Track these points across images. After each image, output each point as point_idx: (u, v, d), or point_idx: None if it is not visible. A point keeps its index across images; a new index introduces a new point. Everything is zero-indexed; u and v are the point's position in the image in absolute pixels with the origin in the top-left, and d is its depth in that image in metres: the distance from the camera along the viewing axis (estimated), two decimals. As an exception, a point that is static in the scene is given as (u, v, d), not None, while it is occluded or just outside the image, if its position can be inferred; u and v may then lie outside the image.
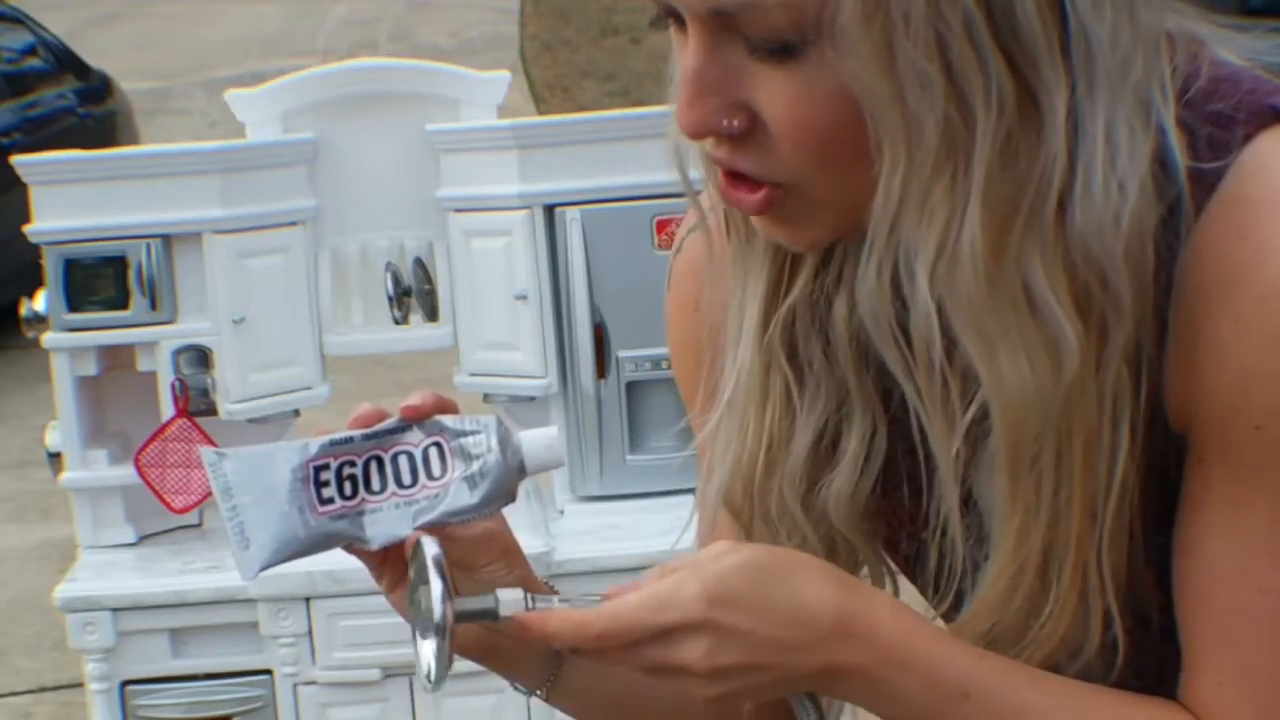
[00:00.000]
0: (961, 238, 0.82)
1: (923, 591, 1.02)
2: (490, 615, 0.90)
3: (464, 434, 0.97)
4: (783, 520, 1.00)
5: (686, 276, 1.07)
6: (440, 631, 0.89)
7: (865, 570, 1.03)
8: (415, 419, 0.98)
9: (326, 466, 0.97)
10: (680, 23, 0.87)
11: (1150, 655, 0.92)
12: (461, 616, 0.90)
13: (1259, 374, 0.83)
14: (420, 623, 0.91)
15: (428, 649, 0.90)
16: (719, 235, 0.99)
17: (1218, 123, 0.86)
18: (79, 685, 3.04)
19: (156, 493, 2.92)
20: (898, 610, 0.90)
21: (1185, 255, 0.85)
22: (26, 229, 2.87)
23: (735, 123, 0.86)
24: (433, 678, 0.89)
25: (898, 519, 1.00)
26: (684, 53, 0.88)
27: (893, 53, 0.79)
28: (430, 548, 0.91)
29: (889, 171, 0.82)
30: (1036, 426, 0.84)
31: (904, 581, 1.05)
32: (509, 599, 0.90)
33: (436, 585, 0.89)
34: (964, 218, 0.82)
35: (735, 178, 0.89)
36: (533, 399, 3.03)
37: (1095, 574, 0.87)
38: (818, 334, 0.97)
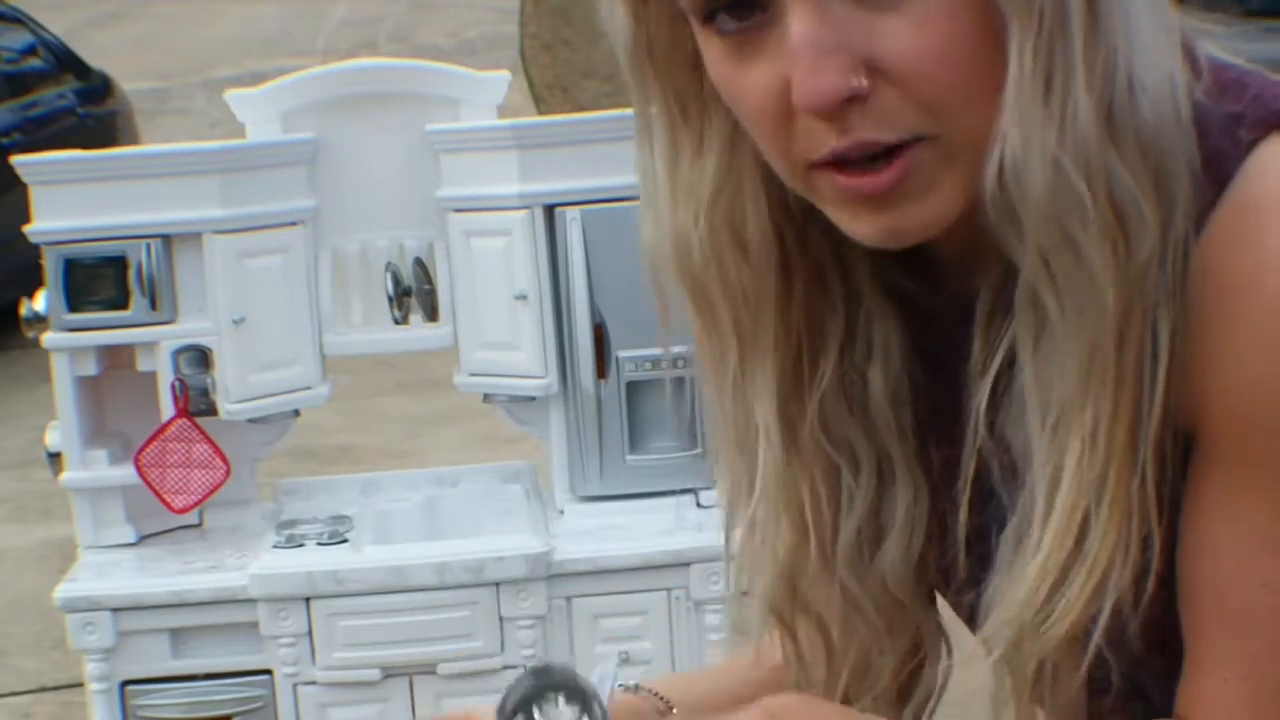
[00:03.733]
0: (1079, 111, 0.82)
1: (956, 609, 1.02)
2: None
3: None
4: (846, 600, 1.01)
5: None
6: None
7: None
8: None
9: None
10: (741, 28, 0.85)
11: (1170, 610, 0.91)
12: None
13: (1266, 379, 0.83)
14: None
15: None
16: None
17: (1225, 125, 0.86)
18: (79, 685, 3.04)
19: (156, 493, 2.92)
20: None
21: (1194, 257, 0.85)
22: (26, 229, 2.87)
23: (861, 81, 0.82)
24: None
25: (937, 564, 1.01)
26: (728, 60, 0.86)
27: None
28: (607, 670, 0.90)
29: (1018, 45, 0.82)
30: (1114, 306, 0.84)
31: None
32: None
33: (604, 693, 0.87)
34: (1072, 90, 0.82)
35: (854, 169, 0.85)
36: (533, 399, 3.03)
37: (1139, 493, 0.86)
38: (854, 413, 0.97)
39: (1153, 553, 0.87)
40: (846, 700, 1.05)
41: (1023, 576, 0.88)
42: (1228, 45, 0.90)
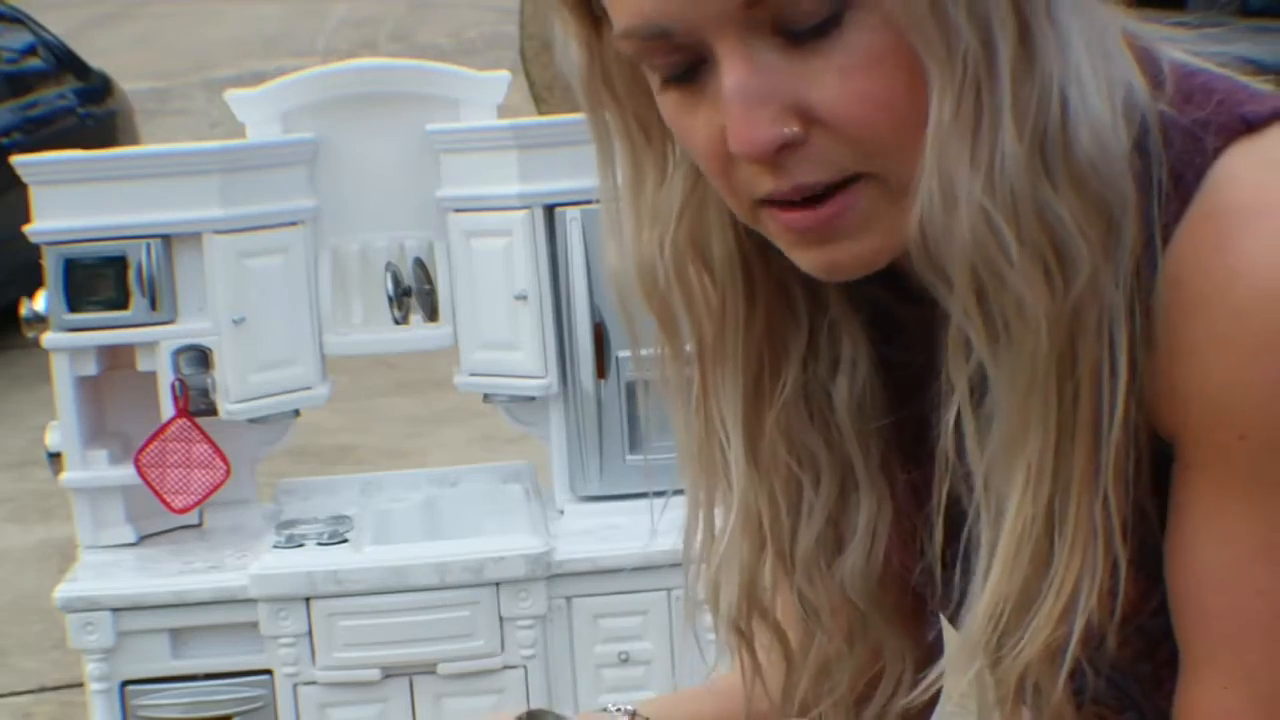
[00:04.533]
0: (1005, 154, 0.82)
1: (950, 621, 1.02)
2: None
3: None
4: (804, 608, 1.01)
5: None
6: None
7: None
8: None
9: None
10: (684, 75, 0.85)
11: (1154, 616, 0.91)
12: None
13: (1241, 385, 0.83)
14: None
15: None
16: None
17: (1191, 133, 0.86)
18: (79, 685, 3.04)
19: (156, 493, 2.92)
20: None
21: (1162, 267, 0.85)
22: (26, 229, 2.87)
23: (794, 128, 0.83)
24: None
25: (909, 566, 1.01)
26: (676, 104, 0.86)
27: None
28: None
29: (939, 94, 0.82)
30: (1049, 338, 0.84)
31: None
32: None
33: None
34: (999, 134, 0.82)
35: (793, 206, 0.86)
36: (533, 399, 3.03)
37: (1101, 515, 0.86)
38: (816, 424, 0.97)
39: (1121, 571, 0.87)
40: (805, 705, 1.05)
41: (980, 601, 0.89)
42: (1196, 49, 0.89)
